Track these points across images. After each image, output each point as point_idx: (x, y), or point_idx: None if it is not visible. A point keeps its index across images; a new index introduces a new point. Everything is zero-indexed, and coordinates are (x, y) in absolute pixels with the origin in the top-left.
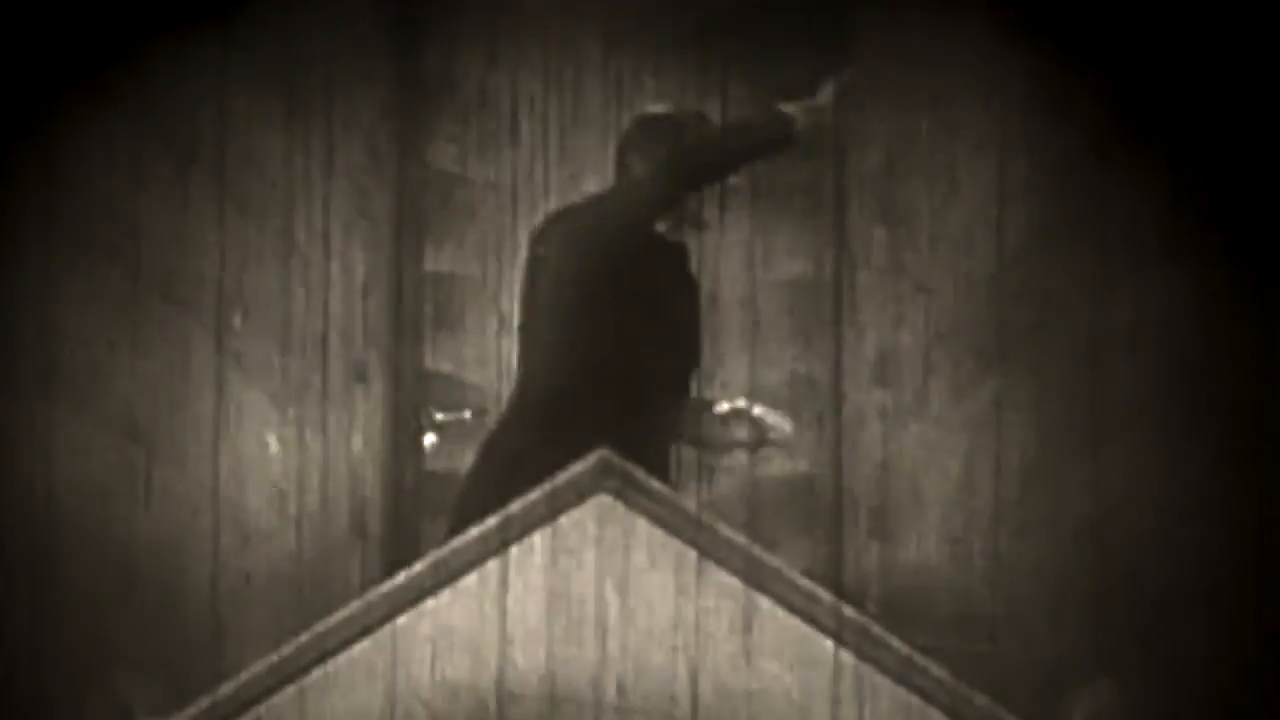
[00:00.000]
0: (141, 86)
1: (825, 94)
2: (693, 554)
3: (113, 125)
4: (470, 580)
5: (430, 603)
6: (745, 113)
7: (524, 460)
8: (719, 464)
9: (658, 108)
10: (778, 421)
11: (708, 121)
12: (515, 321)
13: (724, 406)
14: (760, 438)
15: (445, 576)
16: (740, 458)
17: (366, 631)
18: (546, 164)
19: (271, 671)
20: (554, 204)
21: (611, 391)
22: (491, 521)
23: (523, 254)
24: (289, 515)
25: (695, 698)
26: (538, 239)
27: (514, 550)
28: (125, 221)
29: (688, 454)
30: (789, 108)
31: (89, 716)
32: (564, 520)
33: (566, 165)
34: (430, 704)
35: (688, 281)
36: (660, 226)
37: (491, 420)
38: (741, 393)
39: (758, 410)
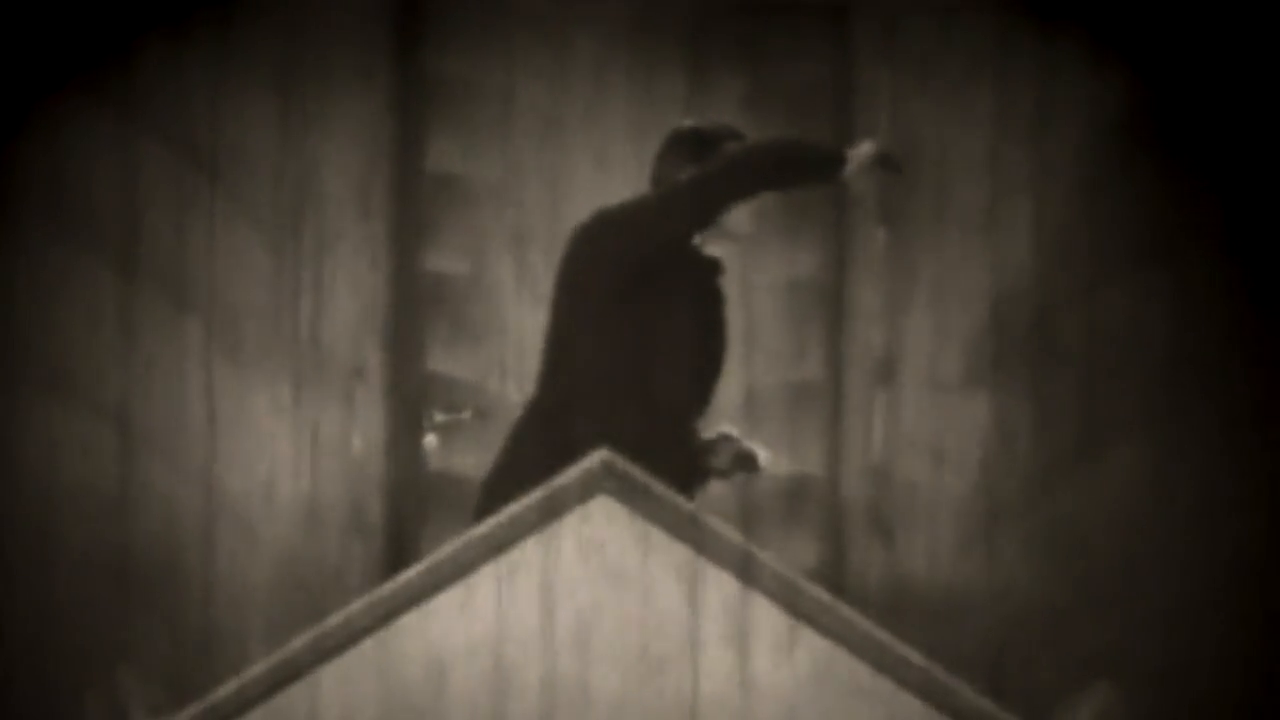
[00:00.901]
0: (140, 86)
1: (862, 151)
2: (692, 554)
3: (111, 125)
4: (470, 581)
5: (430, 603)
6: (802, 138)
7: (538, 466)
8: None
9: (691, 122)
10: (757, 451)
11: (740, 136)
12: (545, 326)
13: (710, 433)
14: (738, 467)
15: (445, 577)
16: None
17: (366, 631)
18: (546, 164)
19: (271, 672)
20: (553, 204)
21: (631, 401)
22: (491, 522)
23: (523, 254)
24: (289, 515)
25: (695, 698)
26: (571, 245)
27: (514, 551)
28: (124, 221)
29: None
30: (849, 149)
31: (89, 716)
32: (564, 521)
33: (566, 165)
34: (430, 705)
35: (718, 297)
36: (696, 239)
37: (492, 421)
38: (740, 394)
39: (734, 433)
